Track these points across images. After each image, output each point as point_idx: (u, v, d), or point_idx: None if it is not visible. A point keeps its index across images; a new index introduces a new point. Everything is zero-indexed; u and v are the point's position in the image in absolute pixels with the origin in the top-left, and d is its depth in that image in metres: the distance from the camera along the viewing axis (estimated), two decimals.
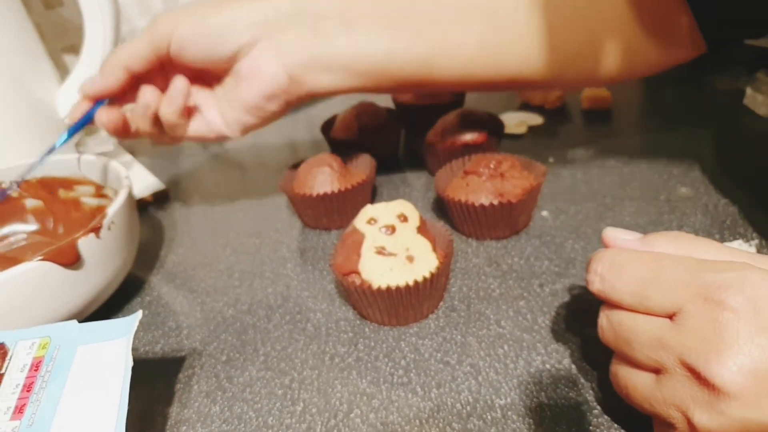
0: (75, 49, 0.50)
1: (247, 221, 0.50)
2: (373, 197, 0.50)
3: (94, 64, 0.49)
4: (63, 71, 0.53)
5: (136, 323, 0.28)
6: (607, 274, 0.26)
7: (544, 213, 0.45)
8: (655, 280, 0.24)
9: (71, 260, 0.34)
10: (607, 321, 0.26)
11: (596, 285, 0.26)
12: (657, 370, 0.24)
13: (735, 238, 0.39)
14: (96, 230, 0.35)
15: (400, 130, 0.55)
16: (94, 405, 0.27)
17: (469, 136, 0.47)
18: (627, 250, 0.26)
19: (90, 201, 0.46)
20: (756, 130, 0.53)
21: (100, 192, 0.45)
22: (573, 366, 0.32)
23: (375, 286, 0.34)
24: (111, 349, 0.29)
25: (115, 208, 0.37)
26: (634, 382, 0.25)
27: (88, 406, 0.27)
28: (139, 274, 0.45)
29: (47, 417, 0.26)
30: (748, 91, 0.56)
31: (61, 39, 0.62)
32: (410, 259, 0.35)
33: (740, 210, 0.41)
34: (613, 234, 0.28)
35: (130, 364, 0.27)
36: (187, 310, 0.40)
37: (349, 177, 0.46)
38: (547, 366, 0.32)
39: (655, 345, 0.23)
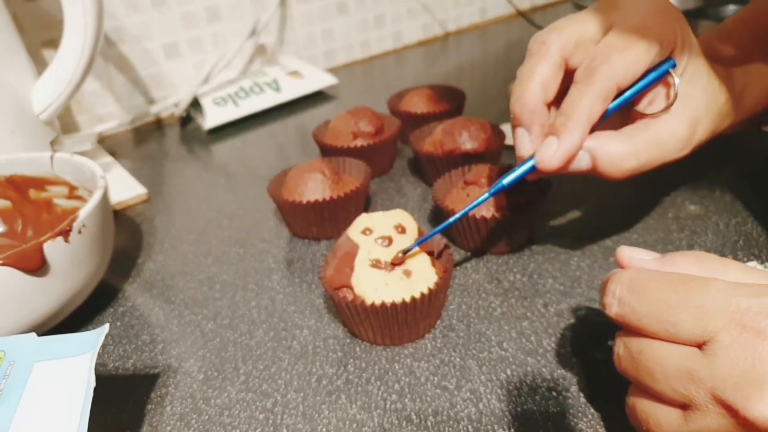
0: (55, 43, 0.47)
1: (232, 229, 0.47)
2: (366, 207, 0.47)
3: (72, 60, 0.46)
4: (42, 66, 0.50)
5: (102, 338, 0.25)
6: (626, 297, 0.23)
7: (550, 228, 0.42)
8: (683, 304, 0.22)
9: (35, 266, 0.31)
10: (625, 348, 0.24)
11: (614, 309, 0.24)
12: (684, 406, 0.21)
13: (749, 259, 0.37)
14: (65, 233, 0.32)
15: (398, 137, 0.52)
16: (50, 428, 0.24)
17: (469, 145, 0.45)
18: (648, 270, 0.24)
19: (63, 203, 0.43)
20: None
21: (73, 193, 0.42)
22: (581, 395, 0.29)
23: (369, 301, 0.31)
24: (72, 367, 0.26)
25: (87, 210, 0.34)
26: (657, 418, 0.22)
27: (44, 429, 0.24)
28: (113, 281, 0.42)
29: None
30: None
31: (41, 32, 0.59)
32: (407, 273, 0.32)
33: (754, 229, 0.39)
34: (628, 253, 0.26)
35: (93, 383, 0.24)
36: (163, 323, 0.37)
37: (342, 185, 0.44)
38: (554, 394, 0.29)
39: (683, 377, 0.21)
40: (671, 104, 0.31)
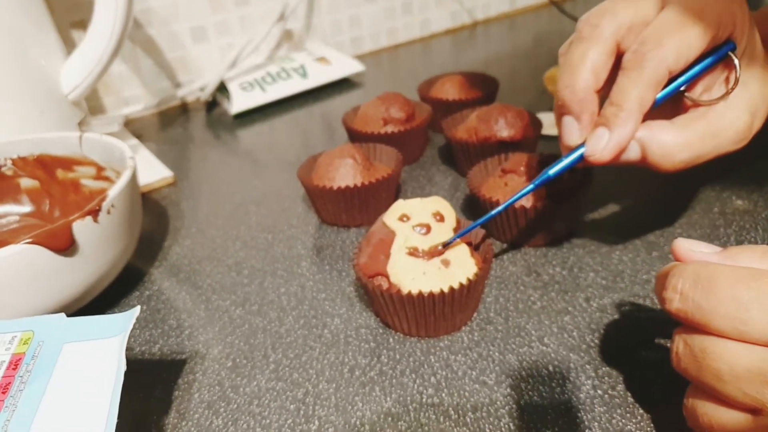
0: (84, 24, 0.46)
1: (260, 214, 0.46)
2: (396, 195, 0.46)
3: (102, 41, 0.45)
4: (71, 47, 0.49)
5: (133, 321, 0.24)
6: (690, 292, 0.22)
7: (589, 219, 0.41)
8: (756, 300, 0.20)
9: (64, 245, 0.30)
10: (685, 347, 0.22)
11: (675, 304, 0.22)
12: (755, 410, 0.20)
13: None
14: (94, 213, 0.31)
15: (429, 124, 0.51)
16: (79, 412, 0.23)
17: (506, 133, 0.43)
18: (715, 264, 0.22)
19: (90, 183, 0.42)
20: None
21: (101, 174, 0.41)
22: (629, 394, 0.28)
23: (405, 290, 0.30)
24: (102, 349, 0.25)
25: (116, 190, 0.33)
26: (723, 421, 0.21)
27: (73, 412, 0.23)
28: (139, 265, 0.41)
29: (24, 424, 0.22)
30: None
31: (71, 13, 0.58)
32: (446, 263, 0.31)
33: None
34: (687, 245, 0.24)
35: (124, 367, 0.23)
36: (190, 308, 0.37)
37: (373, 171, 0.42)
38: (599, 392, 0.28)
39: (754, 380, 0.19)
40: (731, 91, 0.29)
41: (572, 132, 0.31)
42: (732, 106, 0.29)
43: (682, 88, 0.30)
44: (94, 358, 0.25)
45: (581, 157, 0.30)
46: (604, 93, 0.30)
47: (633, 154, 0.30)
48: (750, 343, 0.20)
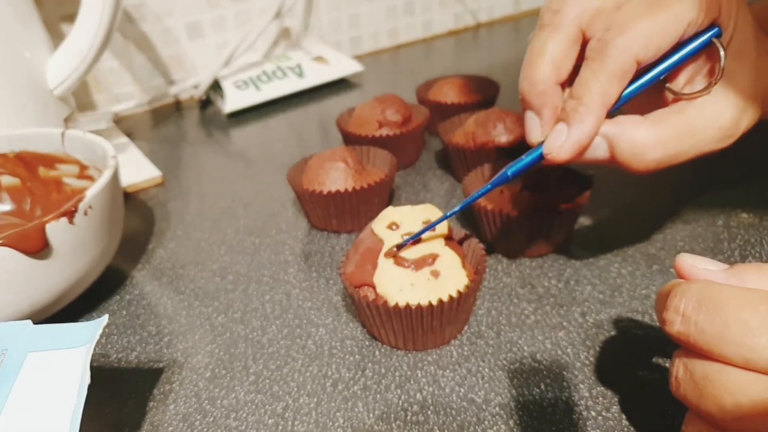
0: (74, 18, 0.45)
1: (248, 218, 0.44)
2: (389, 201, 0.44)
3: (88, 35, 0.44)
4: (60, 41, 0.48)
5: (99, 331, 0.23)
6: (693, 314, 0.20)
7: (586, 230, 0.39)
8: (765, 327, 0.19)
9: (36, 247, 0.29)
10: (686, 372, 0.21)
11: (677, 326, 0.21)
12: None
13: None
14: (69, 214, 0.30)
15: (426, 128, 0.49)
16: (40, 426, 0.22)
17: (504, 139, 0.42)
18: (720, 284, 0.21)
19: (73, 182, 0.41)
20: None
21: (84, 173, 0.40)
22: (623, 417, 0.26)
23: (392, 302, 0.28)
24: (67, 359, 0.24)
25: (95, 190, 0.32)
26: None
27: (33, 426, 0.22)
28: (121, 267, 0.40)
29: None
30: None
31: (61, 6, 0.57)
32: (435, 274, 0.29)
33: None
34: (691, 261, 0.23)
35: (87, 380, 0.22)
36: (171, 314, 0.35)
37: (366, 175, 0.41)
38: (593, 413, 0.27)
39: (760, 411, 0.18)
40: (715, 83, 0.26)
41: (533, 128, 0.29)
42: (715, 100, 0.27)
43: (662, 79, 0.27)
44: (59, 369, 0.23)
45: (541, 156, 0.28)
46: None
47: (600, 152, 0.27)
48: (756, 371, 0.19)
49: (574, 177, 0.38)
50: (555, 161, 0.27)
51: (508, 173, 0.29)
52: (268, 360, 0.31)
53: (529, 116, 0.29)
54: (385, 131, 0.47)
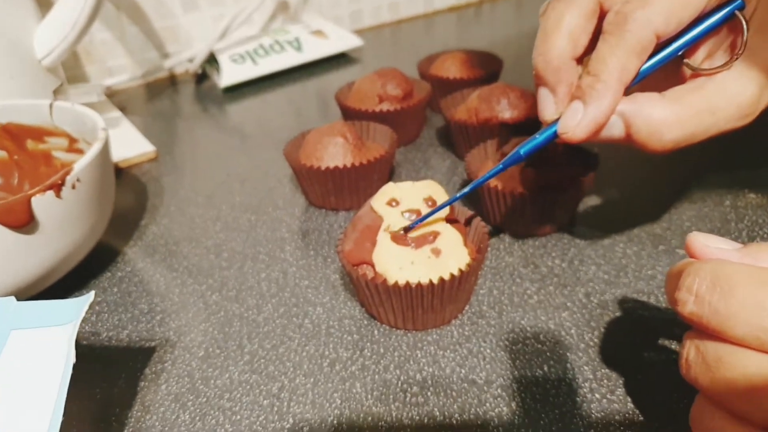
0: None
1: (243, 194, 0.43)
2: (389, 177, 0.43)
3: (77, 3, 0.42)
4: (47, 9, 0.46)
5: (85, 308, 0.22)
6: (708, 295, 0.19)
7: (591, 209, 0.38)
8: None
9: (21, 221, 0.28)
10: (697, 354, 0.20)
11: (689, 307, 0.20)
12: None
13: None
14: (56, 187, 0.29)
15: (428, 103, 0.48)
16: (23, 406, 0.21)
17: (508, 114, 0.41)
18: (735, 264, 0.20)
19: (63, 156, 0.39)
20: None
21: (73, 146, 0.38)
22: (629, 399, 0.26)
23: (391, 281, 0.27)
24: (52, 337, 0.23)
25: (83, 163, 0.30)
26: None
27: (17, 406, 0.21)
28: (112, 244, 0.39)
29: None
30: None
31: None
32: (436, 252, 0.28)
33: None
34: (703, 240, 0.22)
35: (73, 359, 0.21)
36: (164, 292, 0.34)
37: (365, 151, 0.40)
38: (597, 396, 0.26)
39: None
40: (736, 58, 0.25)
41: (547, 105, 0.28)
42: (736, 77, 0.25)
43: (680, 54, 0.26)
44: (44, 347, 0.22)
45: (555, 134, 0.27)
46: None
47: (616, 131, 0.26)
48: None
49: (579, 154, 0.37)
50: (570, 140, 0.26)
51: (521, 152, 0.28)
52: (263, 339, 0.30)
53: (543, 93, 0.28)
54: (385, 106, 0.46)
